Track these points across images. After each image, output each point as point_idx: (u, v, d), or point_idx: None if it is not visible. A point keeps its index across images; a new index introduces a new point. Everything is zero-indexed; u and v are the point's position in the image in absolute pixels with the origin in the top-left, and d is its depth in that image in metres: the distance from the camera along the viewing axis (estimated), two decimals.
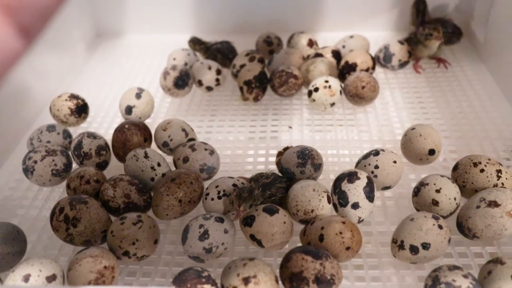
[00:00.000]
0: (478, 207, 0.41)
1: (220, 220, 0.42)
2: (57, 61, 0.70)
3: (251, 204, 0.42)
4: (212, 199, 0.45)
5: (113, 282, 0.39)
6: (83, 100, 0.59)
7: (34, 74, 0.64)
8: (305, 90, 0.65)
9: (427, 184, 0.44)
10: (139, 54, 0.79)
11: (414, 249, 0.40)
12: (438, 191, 0.43)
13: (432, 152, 0.49)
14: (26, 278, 0.37)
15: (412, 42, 0.68)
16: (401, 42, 0.67)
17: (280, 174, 0.48)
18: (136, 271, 0.43)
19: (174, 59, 0.69)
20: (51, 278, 0.38)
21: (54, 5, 0.18)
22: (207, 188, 0.46)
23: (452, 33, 0.71)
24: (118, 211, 0.45)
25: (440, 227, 0.40)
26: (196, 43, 0.72)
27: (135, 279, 0.43)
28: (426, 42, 0.67)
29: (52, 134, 0.54)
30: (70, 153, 0.52)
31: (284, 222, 0.42)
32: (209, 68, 0.64)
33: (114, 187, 0.45)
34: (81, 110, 0.58)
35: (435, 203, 0.43)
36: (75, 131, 0.59)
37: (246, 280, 0.36)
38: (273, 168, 0.51)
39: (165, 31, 0.83)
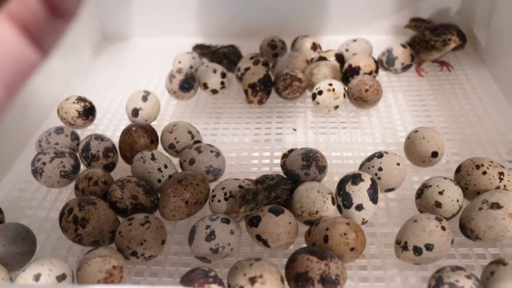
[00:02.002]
0: (480, 209, 0.41)
1: (226, 221, 0.42)
2: (64, 64, 0.71)
3: (253, 207, 0.43)
4: (219, 200, 0.45)
5: (121, 282, 0.39)
6: (90, 103, 0.60)
7: (41, 77, 0.64)
8: (309, 93, 0.65)
9: (430, 186, 0.45)
10: (145, 57, 0.80)
11: (417, 250, 0.40)
12: (441, 193, 0.44)
13: (435, 154, 0.50)
14: (37, 277, 0.38)
15: (421, 47, 0.69)
16: (403, 46, 0.68)
17: (285, 176, 0.49)
18: (144, 271, 0.44)
19: (180, 62, 0.69)
20: (61, 278, 0.39)
21: (67, 22, 0.19)
22: (213, 190, 0.47)
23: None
24: (126, 212, 0.45)
25: (443, 228, 0.40)
26: (201, 48, 0.73)
27: (143, 278, 0.43)
28: (443, 47, 0.67)
29: (60, 136, 0.54)
30: (78, 155, 0.53)
31: (290, 223, 0.42)
32: (214, 71, 0.65)
33: (122, 188, 0.45)
34: (88, 112, 0.59)
35: (438, 205, 0.44)
36: (83, 133, 0.60)
37: (252, 280, 0.37)
38: (278, 170, 0.52)
39: (171, 34, 0.84)
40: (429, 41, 0.68)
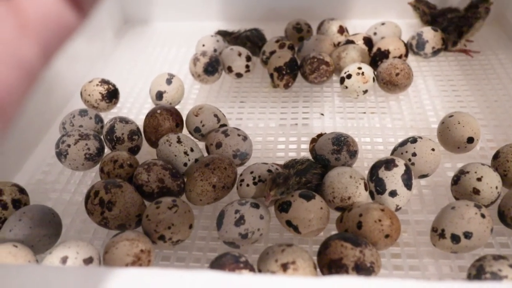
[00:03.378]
0: None
1: (256, 206, 0.41)
2: (87, 47, 0.70)
3: (283, 191, 0.42)
4: (248, 185, 0.44)
5: (149, 266, 0.39)
6: (114, 86, 0.59)
7: (65, 59, 0.64)
8: (335, 78, 0.64)
9: (467, 172, 0.43)
10: (166, 42, 0.79)
11: (455, 238, 0.39)
12: (479, 179, 0.42)
13: (471, 140, 0.48)
14: (64, 260, 0.37)
15: (462, 26, 0.67)
16: (435, 29, 0.66)
17: (314, 161, 0.47)
18: (171, 256, 0.43)
19: (204, 45, 0.68)
20: (88, 261, 0.38)
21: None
22: (241, 174, 0.46)
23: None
24: (152, 195, 0.44)
25: (483, 216, 0.39)
26: (223, 35, 0.71)
27: (170, 263, 0.42)
28: (486, 14, 0.67)
29: (84, 118, 0.54)
30: (102, 137, 0.52)
31: (321, 208, 0.41)
32: (239, 54, 0.64)
33: (148, 171, 0.44)
34: (112, 95, 0.58)
35: (476, 191, 0.42)
36: (106, 117, 0.59)
37: (284, 266, 0.36)
38: (305, 155, 0.51)
39: (193, 18, 0.82)
40: (470, 17, 0.66)
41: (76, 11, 0.18)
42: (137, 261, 0.38)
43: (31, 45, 0.17)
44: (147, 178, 0.44)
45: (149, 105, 0.62)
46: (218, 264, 0.36)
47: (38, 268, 0.37)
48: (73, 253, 0.38)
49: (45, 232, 0.41)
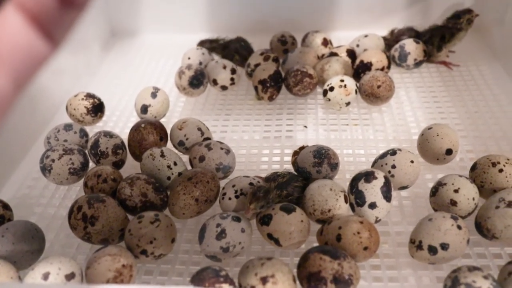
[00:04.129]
0: (497, 207, 0.41)
1: (237, 219, 0.42)
2: (73, 60, 0.71)
3: (263, 205, 0.42)
4: (229, 198, 0.45)
5: (131, 281, 0.39)
6: (99, 99, 0.59)
7: (50, 73, 0.64)
8: (319, 90, 0.65)
9: (445, 184, 0.44)
10: (154, 54, 0.80)
11: (432, 250, 0.39)
12: (456, 191, 0.43)
13: (449, 152, 0.49)
14: (46, 276, 0.38)
15: (446, 36, 0.68)
16: (416, 41, 0.67)
17: (295, 173, 0.48)
18: (153, 270, 0.43)
19: (189, 58, 0.69)
20: (70, 276, 0.38)
21: (77, 13, 0.19)
22: (223, 188, 0.46)
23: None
24: (135, 209, 0.45)
25: (459, 227, 0.39)
26: (209, 42, 0.72)
27: (152, 278, 0.43)
28: (468, 26, 0.68)
29: (69, 133, 0.54)
30: (87, 152, 0.52)
31: (302, 221, 0.42)
32: (224, 67, 0.64)
33: (131, 186, 0.45)
34: (97, 109, 0.59)
35: (454, 203, 0.43)
36: (91, 130, 0.60)
37: (264, 280, 0.36)
38: (289, 167, 0.51)
39: (180, 31, 0.83)
40: (452, 27, 0.68)
41: (47, 41, 0.18)
42: (119, 276, 0.38)
43: (1, 76, 0.18)
44: (130, 193, 0.45)
45: (135, 119, 0.63)
46: (198, 278, 0.37)
47: (20, 286, 0.37)
48: (55, 269, 0.38)
49: (28, 248, 0.41)
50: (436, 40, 0.68)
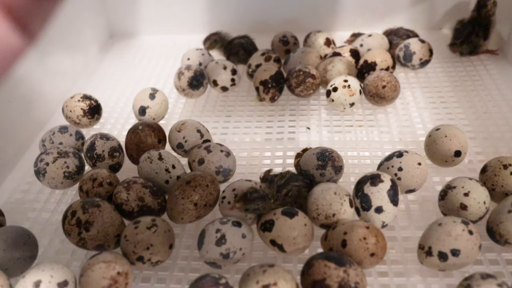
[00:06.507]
0: (510, 211, 0.39)
1: (238, 224, 0.40)
2: (70, 62, 0.69)
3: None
4: (229, 202, 0.43)
5: None
6: (96, 101, 0.58)
7: (47, 75, 0.63)
8: (322, 90, 0.63)
9: (454, 187, 0.42)
10: (152, 55, 0.78)
11: (443, 256, 0.37)
12: (466, 194, 0.41)
13: (458, 153, 0.47)
14: (37, 284, 0.36)
15: (488, 22, 0.67)
16: (422, 41, 0.65)
17: (295, 173, 0.46)
18: (151, 277, 0.42)
19: (188, 59, 0.67)
20: (62, 284, 0.37)
21: (54, 4, 0.18)
22: (223, 191, 0.44)
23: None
24: (132, 214, 0.43)
25: (471, 232, 0.38)
26: (213, 34, 0.71)
27: (150, 285, 0.41)
28: (495, 7, 0.67)
29: (64, 135, 0.52)
30: (82, 155, 0.51)
31: (305, 225, 0.40)
32: (224, 68, 0.63)
33: (128, 190, 0.43)
34: (94, 111, 0.57)
35: (464, 207, 0.41)
36: (88, 133, 0.58)
37: None
38: (291, 170, 0.49)
39: (179, 31, 0.81)
40: (484, 16, 0.67)
41: (23, 34, 0.17)
42: (114, 284, 0.36)
43: None
44: (126, 197, 0.43)
45: (133, 121, 0.61)
46: (196, 286, 0.35)
47: None
48: (47, 277, 0.36)
49: (20, 254, 0.40)
50: (481, 30, 0.67)
